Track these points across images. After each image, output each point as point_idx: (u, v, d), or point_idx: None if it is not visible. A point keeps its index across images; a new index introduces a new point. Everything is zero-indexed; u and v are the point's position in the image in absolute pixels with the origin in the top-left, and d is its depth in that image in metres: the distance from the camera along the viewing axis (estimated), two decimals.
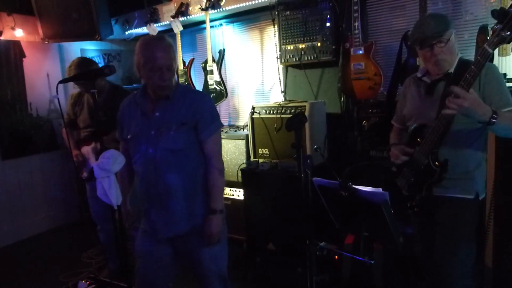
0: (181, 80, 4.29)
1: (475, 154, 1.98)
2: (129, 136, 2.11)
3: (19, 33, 4.34)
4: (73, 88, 3.19)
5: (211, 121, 2.09)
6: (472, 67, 1.70)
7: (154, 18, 4.29)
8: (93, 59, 3.66)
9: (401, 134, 2.31)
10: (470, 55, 2.81)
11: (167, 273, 2.18)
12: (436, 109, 1.94)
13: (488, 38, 2.43)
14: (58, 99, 2.85)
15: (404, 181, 2.07)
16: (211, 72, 4.06)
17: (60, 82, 2.22)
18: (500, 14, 1.66)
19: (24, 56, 4.53)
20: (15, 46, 4.45)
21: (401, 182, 2.08)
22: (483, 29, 2.54)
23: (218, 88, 4.06)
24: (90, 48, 4.98)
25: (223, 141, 2.83)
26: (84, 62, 3.05)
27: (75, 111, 3.21)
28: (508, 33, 1.62)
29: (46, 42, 4.38)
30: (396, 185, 2.11)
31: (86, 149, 3.07)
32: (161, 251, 2.14)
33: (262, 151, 3.45)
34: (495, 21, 1.68)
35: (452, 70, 1.96)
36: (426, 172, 1.94)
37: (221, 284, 2.18)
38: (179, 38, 4.23)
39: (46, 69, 4.74)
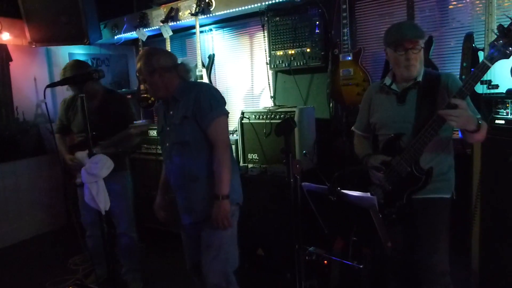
0: None
1: (447, 158, 2.13)
2: (157, 133, 2.47)
3: (5, 37, 4.28)
4: (66, 91, 3.13)
5: (210, 109, 2.12)
6: (469, 80, 1.78)
7: (144, 22, 4.28)
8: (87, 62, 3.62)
9: (364, 142, 2.37)
10: (456, 62, 2.86)
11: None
12: (413, 117, 2.03)
13: (484, 50, 2.45)
14: (46, 103, 2.81)
15: (379, 190, 2.11)
16: (201, 77, 4.06)
17: (48, 86, 2.21)
18: (506, 30, 1.71)
19: (11, 60, 4.47)
20: (1, 50, 4.38)
21: (376, 191, 2.11)
22: (469, 37, 2.58)
23: None
24: (79, 53, 4.94)
25: None
26: (77, 65, 2.97)
27: (68, 116, 3.13)
28: (511, 49, 1.70)
29: (34, 46, 4.31)
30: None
31: (81, 154, 3.02)
32: (186, 237, 2.40)
33: (252, 156, 3.45)
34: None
35: (420, 79, 2.06)
36: (408, 180, 2.00)
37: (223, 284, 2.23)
38: (169, 43, 4.23)
39: (34, 73, 4.69)
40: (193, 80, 2.37)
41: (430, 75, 2.07)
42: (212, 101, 2.14)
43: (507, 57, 1.74)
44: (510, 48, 1.70)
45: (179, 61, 2.28)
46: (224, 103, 2.24)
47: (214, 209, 2.12)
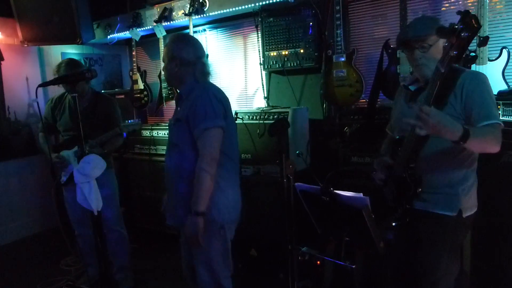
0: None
1: (458, 169, 1.85)
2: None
3: None
4: (58, 87, 3.12)
5: (203, 118, 2.00)
6: (431, 84, 1.63)
7: (137, 22, 4.27)
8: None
9: (388, 143, 2.25)
10: None
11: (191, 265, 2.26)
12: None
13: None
14: (38, 103, 2.80)
15: (390, 191, 1.98)
16: None
17: (40, 85, 2.20)
18: (447, 32, 1.54)
19: (3, 59, 4.42)
20: None
21: (388, 193, 1.99)
22: None
23: None
24: (71, 52, 4.91)
25: None
26: (71, 64, 2.99)
27: (55, 115, 3.15)
28: (456, 52, 1.51)
29: (26, 45, 4.29)
30: (380, 192, 2.04)
31: (67, 153, 3.01)
32: (183, 240, 2.27)
33: (245, 156, 3.45)
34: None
35: None
36: (404, 186, 1.87)
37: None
38: (162, 43, 4.22)
39: (26, 73, 4.65)
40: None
41: (450, 73, 1.74)
42: (208, 109, 2.02)
43: (457, 61, 1.57)
44: (455, 52, 1.51)
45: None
46: (223, 115, 2.08)
47: (186, 223, 2.02)
